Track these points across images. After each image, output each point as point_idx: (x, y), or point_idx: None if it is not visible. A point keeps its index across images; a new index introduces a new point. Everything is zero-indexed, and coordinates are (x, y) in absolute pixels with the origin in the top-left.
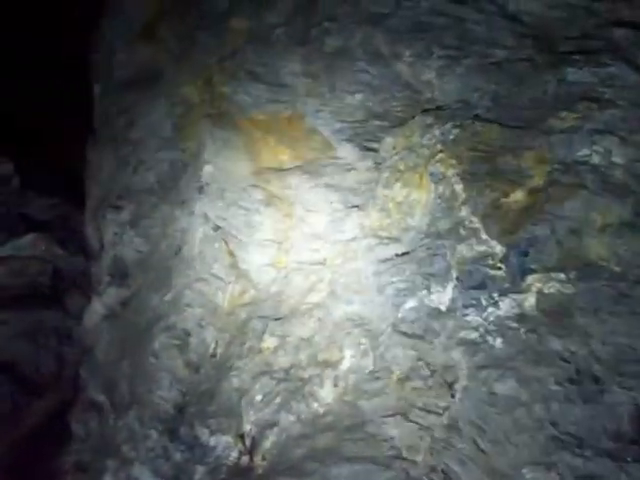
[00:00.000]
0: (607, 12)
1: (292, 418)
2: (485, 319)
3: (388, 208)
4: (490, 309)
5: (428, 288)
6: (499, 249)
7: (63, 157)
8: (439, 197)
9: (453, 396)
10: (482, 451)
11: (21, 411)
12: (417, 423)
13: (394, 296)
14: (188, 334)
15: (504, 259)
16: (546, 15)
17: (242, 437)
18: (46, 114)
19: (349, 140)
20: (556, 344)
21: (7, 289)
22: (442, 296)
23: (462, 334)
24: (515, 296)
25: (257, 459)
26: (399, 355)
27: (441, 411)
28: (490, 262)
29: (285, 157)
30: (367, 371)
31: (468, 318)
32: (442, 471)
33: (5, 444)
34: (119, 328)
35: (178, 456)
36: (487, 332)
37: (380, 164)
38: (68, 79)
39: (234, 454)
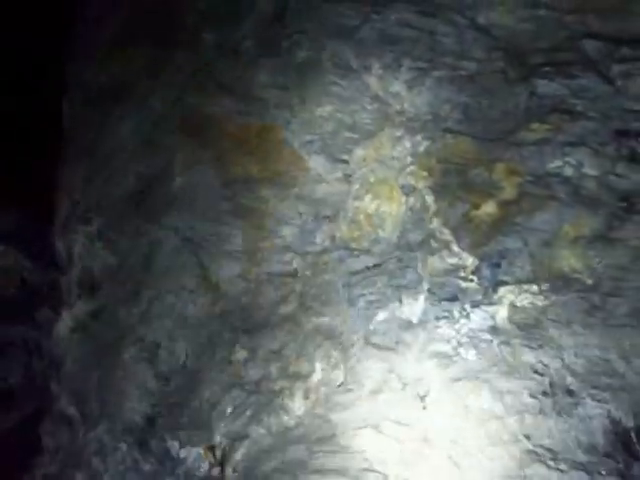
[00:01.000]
0: (577, 24)
1: (263, 430)
2: (457, 331)
3: (359, 220)
4: (462, 321)
5: (399, 300)
6: (471, 261)
7: (31, 168)
8: (410, 209)
9: (425, 408)
10: (455, 464)
11: None
12: (389, 436)
13: (365, 308)
14: (158, 346)
15: (476, 271)
16: (517, 27)
17: (212, 449)
18: (13, 126)
19: (319, 152)
20: (529, 356)
21: None
22: (414, 308)
23: (434, 346)
24: (487, 308)
25: (228, 471)
26: (370, 367)
27: (413, 424)
28: (462, 274)
29: (255, 169)
30: (338, 383)
31: (440, 330)
32: None
33: None
34: (88, 341)
35: (148, 468)
36: (459, 344)
37: (350, 176)
38: (37, 91)
39: (204, 466)
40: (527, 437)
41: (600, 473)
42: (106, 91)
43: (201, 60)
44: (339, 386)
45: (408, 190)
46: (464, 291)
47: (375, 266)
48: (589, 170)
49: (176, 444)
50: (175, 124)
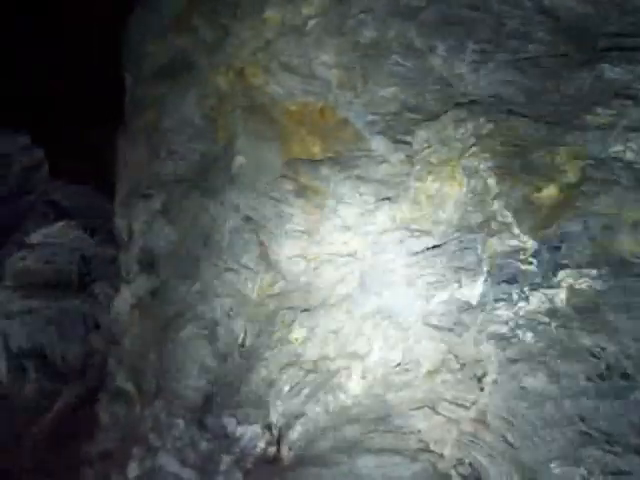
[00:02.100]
0: None
1: (319, 409)
2: (516, 313)
3: (420, 201)
4: (521, 303)
5: (459, 282)
6: (531, 244)
7: (94, 145)
8: (471, 191)
9: (482, 390)
10: (510, 445)
11: (47, 398)
12: (445, 416)
13: (424, 289)
14: (216, 324)
15: (536, 254)
16: (582, 11)
17: (269, 427)
18: (77, 102)
19: (381, 132)
20: (586, 340)
21: (36, 276)
22: (473, 290)
23: (492, 328)
24: (546, 291)
25: (284, 450)
26: (428, 348)
27: (469, 404)
28: (522, 257)
29: (316, 148)
30: (395, 364)
31: (498, 312)
32: (469, 464)
33: (33, 430)
34: (147, 317)
35: (204, 445)
36: (517, 326)
37: (412, 157)
38: (100, 67)
39: (261, 444)
40: (582, 419)
41: None
42: (168, 67)
43: (264, 38)
44: (396, 366)
45: (470, 172)
46: (523, 274)
47: (435, 247)
48: None
49: (233, 422)
50: (237, 102)
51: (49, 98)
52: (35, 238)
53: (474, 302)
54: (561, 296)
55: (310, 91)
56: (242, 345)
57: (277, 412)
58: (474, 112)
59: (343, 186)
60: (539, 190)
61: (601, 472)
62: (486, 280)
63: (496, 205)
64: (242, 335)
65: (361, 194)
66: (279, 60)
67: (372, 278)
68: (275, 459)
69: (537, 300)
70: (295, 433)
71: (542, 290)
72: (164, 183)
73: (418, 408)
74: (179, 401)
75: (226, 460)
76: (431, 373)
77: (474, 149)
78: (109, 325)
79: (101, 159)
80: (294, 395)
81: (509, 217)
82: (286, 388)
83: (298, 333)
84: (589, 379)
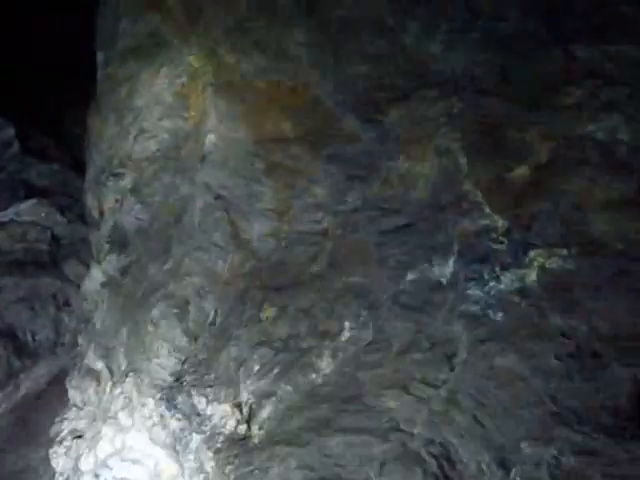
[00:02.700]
0: None
1: (290, 388)
2: (486, 293)
3: (391, 180)
4: (492, 283)
5: (430, 261)
6: (502, 223)
7: (65, 124)
8: (442, 170)
9: (452, 369)
10: (481, 424)
11: (17, 377)
12: (415, 396)
13: (395, 268)
14: (187, 303)
15: (507, 233)
16: None
17: (239, 406)
18: (48, 80)
19: (353, 111)
20: (557, 319)
21: (6, 254)
22: (443, 269)
23: (463, 307)
24: (517, 270)
25: (254, 428)
26: (399, 327)
27: (440, 384)
28: (492, 236)
29: (288, 127)
30: (366, 343)
31: (469, 292)
32: (440, 444)
33: (2, 409)
34: (118, 296)
35: (175, 424)
36: (488, 306)
37: (383, 136)
38: (72, 45)
39: (231, 423)
40: (552, 399)
41: (624, 436)
42: (141, 45)
43: (235, 17)
44: (367, 345)
45: (441, 151)
46: (494, 253)
47: (406, 226)
48: (622, 135)
49: (203, 401)
50: (209, 80)
51: (21, 76)
52: (5, 216)
53: (445, 281)
54: (532, 276)
55: (281, 69)
56: (213, 324)
57: (247, 391)
58: (446, 91)
59: (314, 165)
60: (510, 170)
61: (571, 452)
62: (457, 259)
63: (467, 184)
64: (212, 314)
65: (332, 173)
66: (250, 38)
67: (343, 257)
68: (245, 437)
69: (508, 280)
70: (265, 412)
71: (513, 270)
72: (135, 162)
73: (389, 387)
74: (149, 380)
75: (196, 439)
76: (402, 352)
77: (445, 128)
78: (80, 304)
79: (73, 137)
80: (264, 374)
81: (480, 196)
82: (256, 367)
83: (269, 312)
84: (559, 359)
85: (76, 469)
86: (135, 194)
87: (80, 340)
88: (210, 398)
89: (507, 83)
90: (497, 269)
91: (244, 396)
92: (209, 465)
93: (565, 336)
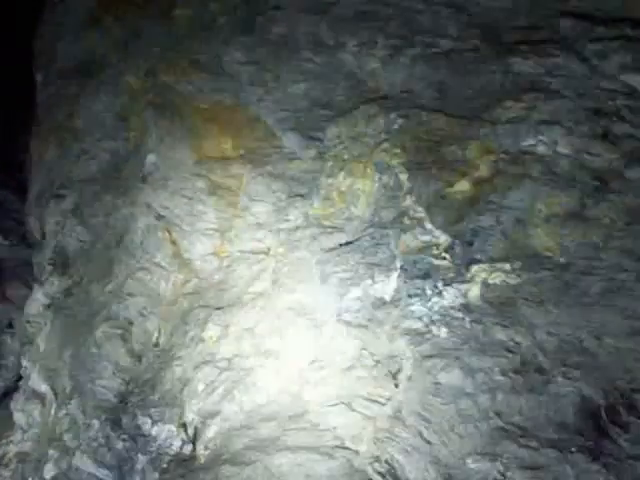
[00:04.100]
0: (554, 2)
1: (235, 408)
2: (430, 309)
3: (332, 197)
4: (435, 299)
5: (372, 277)
6: (444, 239)
7: (2, 144)
8: (383, 186)
9: (397, 386)
10: (426, 441)
11: None
12: (361, 413)
13: (338, 285)
14: (130, 323)
15: (449, 249)
16: (492, 5)
17: (184, 426)
18: None
19: (293, 129)
20: (501, 334)
21: None
22: (386, 286)
23: (406, 324)
24: (460, 286)
25: (200, 448)
26: (343, 344)
27: (385, 401)
28: (435, 252)
29: (228, 146)
30: (310, 361)
31: (412, 308)
32: (386, 461)
33: None
34: (61, 317)
35: (120, 445)
36: (432, 322)
37: (324, 153)
38: (10, 65)
39: (176, 443)
40: (498, 414)
41: (570, 450)
42: (80, 66)
43: (173, 36)
44: (311, 363)
45: (382, 168)
46: (437, 269)
47: (348, 243)
48: (563, 149)
49: (148, 421)
50: (148, 100)
51: None
52: None
53: (388, 298)
54: (475, 291)
55: (220, 89)
56: (156, 344)
57: (192, 411)
58: (385, 108)
59: (255, 183)
60: (451, 185)
61: (517, 467)
62: (399, 276)
63: (408, 200)
64: (156, 334)
65: (273, 191)
66: (189, 58)
67: (286, 275)
68: (191, 458)
69: (451, 295)
70: (211, 432)
71: (456, 285)
72: (76, 183)
73: (334, 405)
74: (94, 401)
75: (142, 459)
76: (346, 370)
77: (385, 145)
78: (23, 326)
79: (11, 159)
80: (209, 394)
81: (422, 212)
82: (201, 387)
83: (212, 331)
84: (504, 374)
85: None
86: (76, 215)
87: (24, 362)
88: (155, 418)
89: (446, 98)
90: (440, 285)
91: (189, 416)
92: None
93: (509, 351)
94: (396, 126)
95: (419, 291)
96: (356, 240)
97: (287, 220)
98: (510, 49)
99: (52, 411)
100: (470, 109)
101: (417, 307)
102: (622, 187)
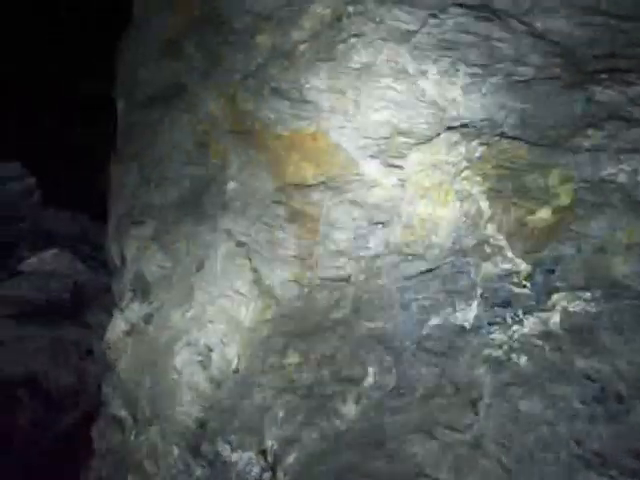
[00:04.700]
0: (636, 31)
1: (315, 435)
2: (510, 337)
3: (413, 225)
4: (515, 327)
5: (453, 305)
6: (524, 267)
7: (85, 172)
8: (464, 214)
9: (477, 414)
10: (506, 469)
11: (41, 426)
12: (440, 440)
13: (418, 313)
14: (210, 350)
15: (529, 277)
16: (574, 34)
17: (264, 453)
18: (68, 130)
19: (373, 156)
20: (581, 362)
21: (29, 304)
22: (467, 313)
23: (486, 352)
24: (540, 314)
25: (279, 475)
26: (423, 372)
27: (465, 429)
28: (515, 280)
29: (309, 173)
30: (390, 388)
31: (493, 336)
32: None
33: (26, 458)
34: (141, 344)
35: (199, 472)
36: (512, 350)
37: (405, 181)
38: (91, 92)
39: (256, 470)
40: (577, 443)
41: None
42: (161, 93)
43: (255, 63)
44: (391, 391)
45: (463, 195)
46: (517, 297)
47: (428, 271)
48: None
49: (227, 448)
50: (229, 128)
51: (40, 128)
52: (28, 266)
53: (468, 326)
54: (555, 319)
55: (301, 116)
56: (236, 371)
57: (272, 437)
58: (466, 135)
59: (336, 211)
60: (532, 213)
61: None
62: (480, 304)
63: (489, 228)
64: (236, 361)
65: (354, 219)
66: (270, 85)
67: (366, 303)
68: None
69: (531, 323)
70: (290, 458)
71: (536, 313)
72: (156, 209)
73: (413, 432)
74: (173, 428)
75: None
76: (426, 397)
77: (467, 172)
78: (103, 352)
79: (93, 186)
80: (289, 421)
81: (502, 240)
82: (281, 414)
83: (292, 358)
84: (584, 402)
85: None
86: (156, 242)
87: (104, 388)
88: (235, 445)
89: (527, 126)
90: (520, 313)
91: (268, 443)
92: None
93: (589, 379)
94: (477, 154)
95: (499, 319)
96: (437, 268)
97: (368, 248)
98: (592, 78)
99: (131, 437)
100: (551, 137)
101: (497, 335)
102: None
